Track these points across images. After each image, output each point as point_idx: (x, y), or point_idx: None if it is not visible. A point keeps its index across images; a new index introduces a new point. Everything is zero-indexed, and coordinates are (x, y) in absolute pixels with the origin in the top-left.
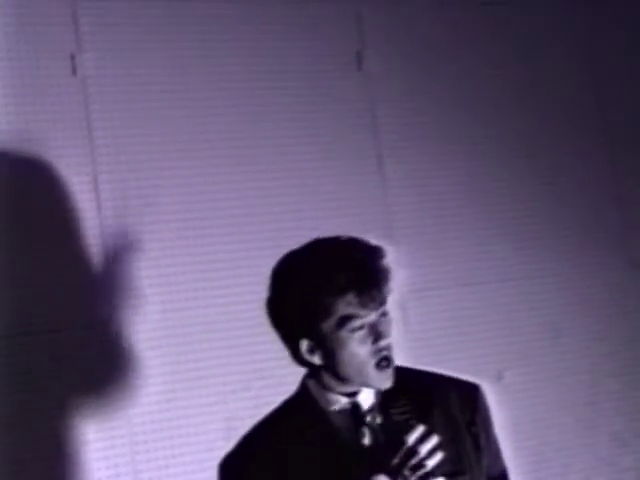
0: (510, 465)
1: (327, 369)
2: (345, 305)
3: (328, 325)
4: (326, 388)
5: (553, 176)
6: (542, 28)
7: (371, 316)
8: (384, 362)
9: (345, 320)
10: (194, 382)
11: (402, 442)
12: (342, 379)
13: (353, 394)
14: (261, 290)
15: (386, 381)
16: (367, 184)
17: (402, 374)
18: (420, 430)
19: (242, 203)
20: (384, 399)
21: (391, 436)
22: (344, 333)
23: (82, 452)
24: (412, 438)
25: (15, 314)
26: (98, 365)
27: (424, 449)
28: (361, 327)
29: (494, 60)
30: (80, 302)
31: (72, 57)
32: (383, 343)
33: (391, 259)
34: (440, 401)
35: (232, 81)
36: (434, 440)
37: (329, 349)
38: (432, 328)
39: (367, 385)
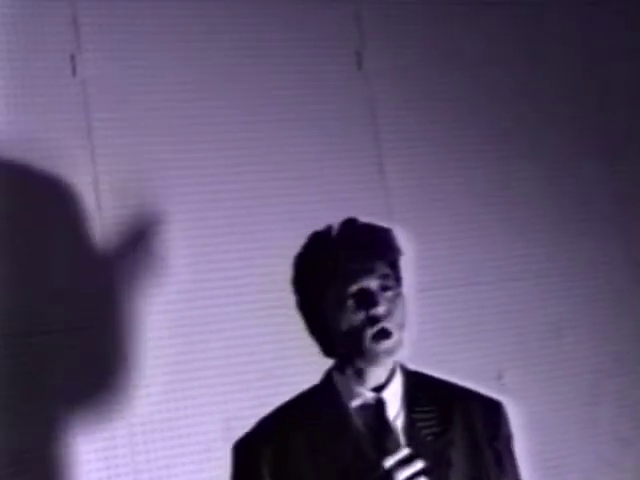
0: None
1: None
2: (344, 268)
3: (334, 288)
4: (351, 380)
5: (555, 176)
6: (543, 28)
7: (367, 282)
8: (381, 334)
9: (344, 283)
10: (194, 382)
11: (379, 464)
12: (352, 353)
13: (379, 389)
14: (261, 290)
15: (384, 355)
16: (367, 184)
17: (427, 381)
18: (403, 453)
19: (243, 203)
20: (409, 401)
21: (411, 440)
22: (343, 295)
23: (82, 452)
24: (390, 462)
25: (15, 314)
26: (98, 365)
27: (402, 475)
28: (357, 294)
29: (495, 59)
30: (80, 302)
31: (72, 57)
32: (374, 311)
33: (400, 241)
34: (463, 412)
35: (232, 81)
36: (417, 466)
37: (334, 316)
38: (432, 328)
39: (367, 360)
